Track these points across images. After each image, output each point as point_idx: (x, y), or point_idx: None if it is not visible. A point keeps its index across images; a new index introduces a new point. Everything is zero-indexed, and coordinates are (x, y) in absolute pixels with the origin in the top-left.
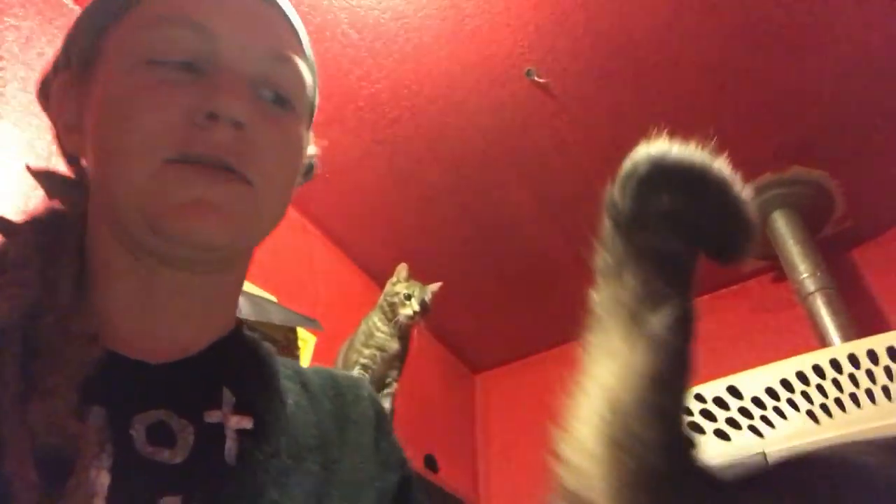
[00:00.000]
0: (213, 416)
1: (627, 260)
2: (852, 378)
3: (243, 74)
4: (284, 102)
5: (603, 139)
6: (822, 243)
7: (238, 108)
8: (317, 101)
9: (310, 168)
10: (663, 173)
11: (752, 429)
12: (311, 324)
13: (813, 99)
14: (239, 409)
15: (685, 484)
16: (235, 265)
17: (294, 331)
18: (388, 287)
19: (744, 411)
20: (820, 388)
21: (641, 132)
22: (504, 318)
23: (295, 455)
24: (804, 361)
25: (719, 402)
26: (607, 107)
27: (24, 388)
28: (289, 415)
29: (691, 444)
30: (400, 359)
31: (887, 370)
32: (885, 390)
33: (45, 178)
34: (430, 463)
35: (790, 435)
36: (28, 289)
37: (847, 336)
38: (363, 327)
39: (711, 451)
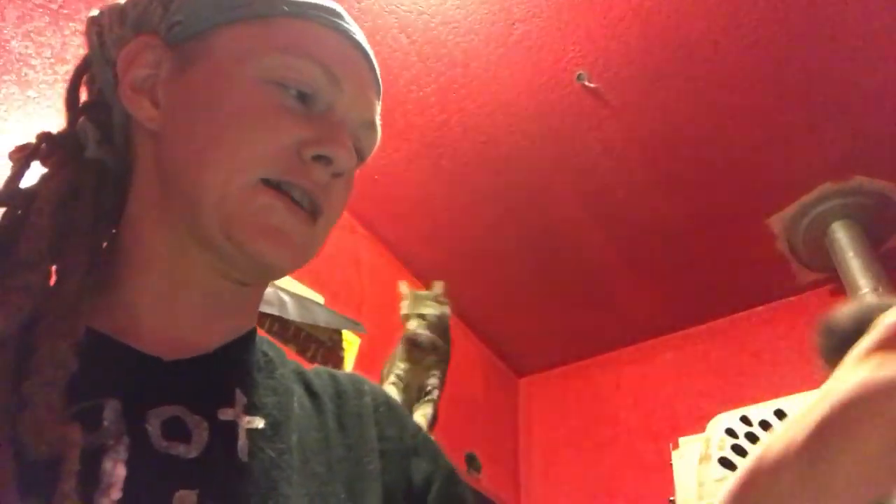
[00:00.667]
0: (226, 414)
1: None
2: None
3: (349, 129)
4: (358, 161)
5: (654, 145)
6: (886, 258)
7: (347, 162)
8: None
9: None
10: None
11: None
12: (354, 326)
13: (878, 107)
14: (251, 411)
15: None
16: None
17: (339, 332)
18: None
19: None
20: None
21: (693, 139)
22: (549, 322)
23: (301, 456)
24: None
25: (765, 425)
26: (659, 113)
27: (14, 399)
28: (298, 418)
29: None
30: (438, 367)
31: None
32: None
33: (82, 133)
34: (472, 462)
35: None
36: (32, 297)
37: None
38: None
39: None
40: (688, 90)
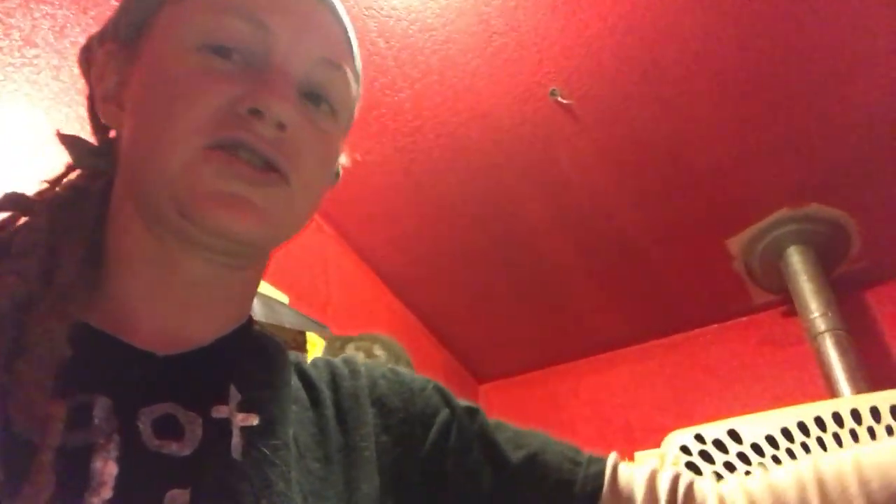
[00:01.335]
0: (220, 412)
1: None
2: (853, 434)
3: (293, 76)
4: (329, 109)
5: (622, 162)
6: (836, 283)
7: (284, 111)
8: (356, 112)
9: (336, 176)
10: None
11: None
12: (320, 329)
13: (837, 138)
14: (245, 407)
15: None
16: (255, 262)
17: (303, 333)
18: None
19: (742, 457)
20: (819, 441)
21: (659, 159)
22: (512, 329)
23: (298, 452)
24: (806, 412)
25: (719, 444)
26: (628, 132)
27: (7, 379)
28: (294, 413)
29: None
30: None
31: (888, 429)
32: None
33: (72, 144)
34: None
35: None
36: (26, 279)
37: (854, 379)
38: None
39: None
40: (656, 111)
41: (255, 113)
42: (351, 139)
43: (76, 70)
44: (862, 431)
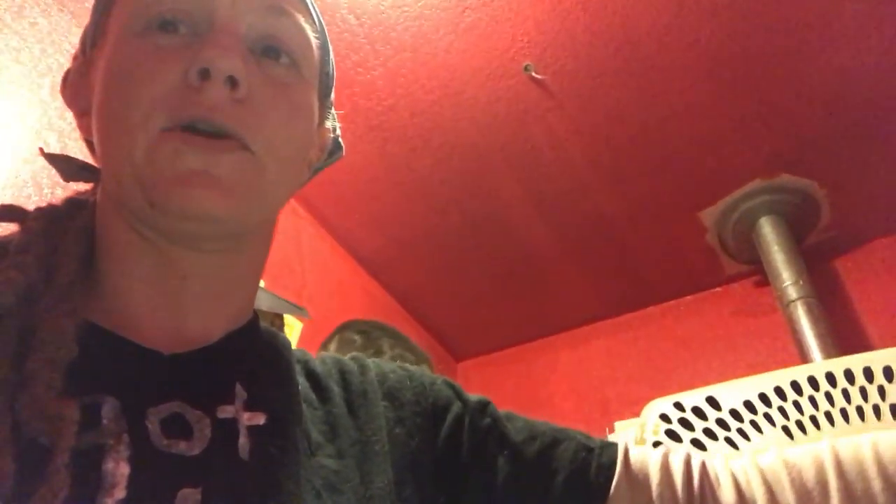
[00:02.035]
0: (226, 412)
1: None
2: (828, 396)
3: (237, 29)
4: (288, 61)
5: (597, 137)
6: (807, 252)
7: (228, 62)
8: (333, 71)
9: (337, 146)
10: None
11: (729, 441)
12: (298, 311)
13: (806, 110)
14: (251, 406)
15: None
16: (246, 245)
17: (281, 316)
18: None
19: (721, 423)
20: (796, 405)
21: (632, 134)
22: (489, 307)
23: (307, 449)
24: (783, 377)
25: (698, 412)
26: (603, 106)
27: (15, 377)
28: (302, 411)
29: None
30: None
31: (862, 391)
32: (859, 410)
33: (60, 162)
34: None
35: (765, 449)
36: (26, 273)
37: (825, 346)
38: None
39: None
40: (629, 86)
41: (204, 75)
42: None
43: (37, 51)
44: (837, 394)
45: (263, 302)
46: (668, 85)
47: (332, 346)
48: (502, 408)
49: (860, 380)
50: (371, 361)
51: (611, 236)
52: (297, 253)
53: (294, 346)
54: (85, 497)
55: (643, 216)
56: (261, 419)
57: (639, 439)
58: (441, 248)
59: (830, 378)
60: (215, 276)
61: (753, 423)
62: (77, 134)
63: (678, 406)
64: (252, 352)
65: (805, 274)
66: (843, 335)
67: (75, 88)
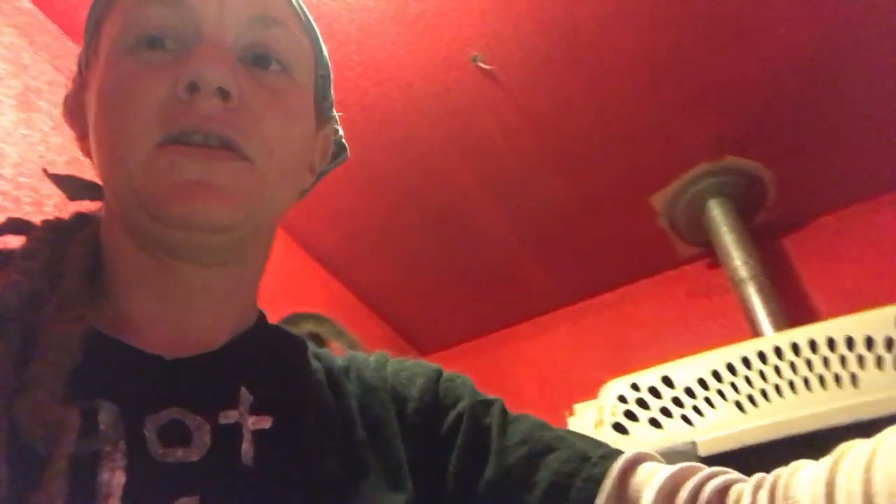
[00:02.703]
0: (228, 417)
1: None
2: (777, 369)
3: (224, 41)
4: (279, 67)
5: (547, 125)
6: (756, 232)
7: (216, 73)
8: (329, 74)
9: (340, 149)
10: None
11: (684, 418)
12: None
13: (749, 91)
14: (257, 409)
15: None
16: (248, 255)
17: None
18: None
19: (676, 401)
20: (747, 379)
21: (581, 121)
22: (451, 300)
23: (316, 454)
24: (733, 353)
25: (653, 391)
26: (551, 94)
27: (15, 381)
28: (313, 413)
29: None
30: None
31: (808, 362)
32: (806, 381)
33: (63, 181)
34: None
35: (718, 424)
36: (31, 278)
37: (777, 322)
38: None
39: (644, 440)
40: (575, 73)
41: (193, 87)
42: None
43: (15, 41)
44: (784, 366)
45: None
46: (611, 72)
47: None
48: None
49: (805, 351)
50: (391, 358)
51: (566, 223)
52: None
53: None
54: None
55: (596, 202)
56: (267, 423)
57: (598, 421)
58: (399, 241)
59: (778, 351)
60: (219, 288)
61: (707, 400)
62: None
63: (634, 387)
64: (258, 354)
65: (755, 253)
66: (794, 311)
67: (73, 111)
